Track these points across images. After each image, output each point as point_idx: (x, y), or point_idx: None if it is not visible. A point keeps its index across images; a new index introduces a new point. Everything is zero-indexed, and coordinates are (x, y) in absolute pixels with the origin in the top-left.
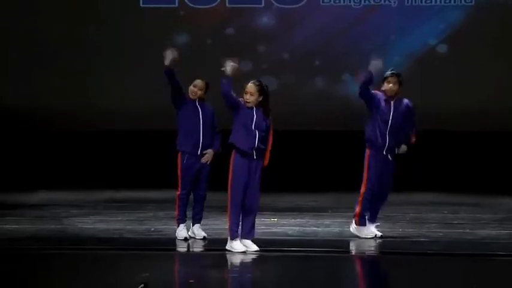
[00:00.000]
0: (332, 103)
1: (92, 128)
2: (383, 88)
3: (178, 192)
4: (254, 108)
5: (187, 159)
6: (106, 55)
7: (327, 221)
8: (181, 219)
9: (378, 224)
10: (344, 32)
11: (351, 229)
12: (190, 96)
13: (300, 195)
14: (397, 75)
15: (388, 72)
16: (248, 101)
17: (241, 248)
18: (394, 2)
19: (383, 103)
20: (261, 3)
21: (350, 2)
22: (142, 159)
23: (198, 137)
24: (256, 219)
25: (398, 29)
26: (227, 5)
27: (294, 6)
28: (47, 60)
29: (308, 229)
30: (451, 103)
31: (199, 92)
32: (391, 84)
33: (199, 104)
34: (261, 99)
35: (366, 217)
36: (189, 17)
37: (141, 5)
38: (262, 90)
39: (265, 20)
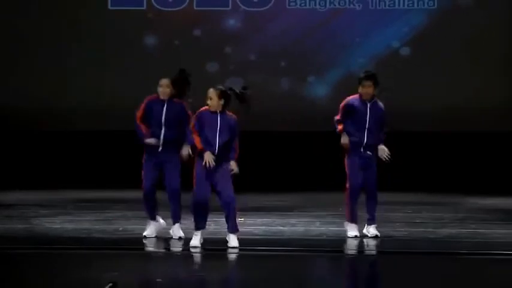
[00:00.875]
0: (298, 104)
1: (59, 127)
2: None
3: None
4: (218, 112)
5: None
6: (74, 56)
7: (292, 221)
8: (149, 217)
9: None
10: (310, 35)
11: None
12: (162, 97)
13: (266, 195)
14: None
15: (362, 75)
16: (209, 105)
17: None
18: (359, 6)
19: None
20: (228, 6)
21: (316, 5)
22: (110, 159)
23: (159, 133)
24: (222, 219)
25: (363, 31)
26: (195, 7)
27: (260, 8)
28: (13, 60)
29: (274, 228)
30: (413, 104)
31: (167, 90)
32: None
33: (167, 102)
34: (222, 102)
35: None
36: (157, 19)
37: (109, 7)
38: (222, 94)
39: (232, 22)
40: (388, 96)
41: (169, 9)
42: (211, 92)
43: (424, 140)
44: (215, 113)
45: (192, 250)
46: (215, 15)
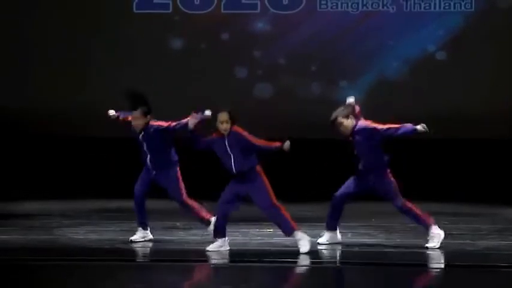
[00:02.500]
0: (329, 110)
1: (84, 134)
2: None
3: None
4: (225, 136)
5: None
6: (100, 60)
7: (323, 232)
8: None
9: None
10: (341, 38)
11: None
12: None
13: (294, 205)
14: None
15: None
16: (223, 129)
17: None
18: (393, 8)
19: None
20: (256, 9)
21: (348, 7)
22: (135, 168)
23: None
24: (252, 230)
25: (397, 34)
26: (222, 10)
27: (290, 11)
28: (39, 63)
29: None
30: (450, 110)
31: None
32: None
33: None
34: (230, 125)
35: None
36: (184, 22)
37: (134, 10)
38: (233, 117)
39: (261, 25)
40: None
41: (196, 12)
42: (225, 116)
43: (460, 147)
44: (222, 137)
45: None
46: (243, 18)
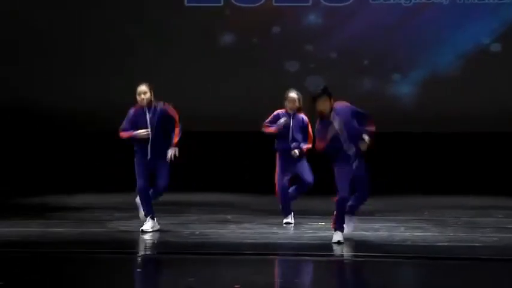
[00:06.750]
0: (381, 104)
1: None
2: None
3: None
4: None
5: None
6: (149, 55)
7: (376, 225)
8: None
9: None
10: (393, 31)
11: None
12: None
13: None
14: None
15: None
16: (291, 107)
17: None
18: (446, 0)
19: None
20: (308, 2)
21: None
22: (186, 161)
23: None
24: (303, 224)
25: (450, 27)
26: (274, 3)
27: (342, 4)
28: (84, 63)
29: (357, 233)
30: (505, 104)
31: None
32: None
33: (147, 108)
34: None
35: None
36: (235, 16)
37: (185, 4)
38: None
39: (313, 18)
40: None
41: (247, 5)
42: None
43: None
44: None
45: None
46: (295, 11)
